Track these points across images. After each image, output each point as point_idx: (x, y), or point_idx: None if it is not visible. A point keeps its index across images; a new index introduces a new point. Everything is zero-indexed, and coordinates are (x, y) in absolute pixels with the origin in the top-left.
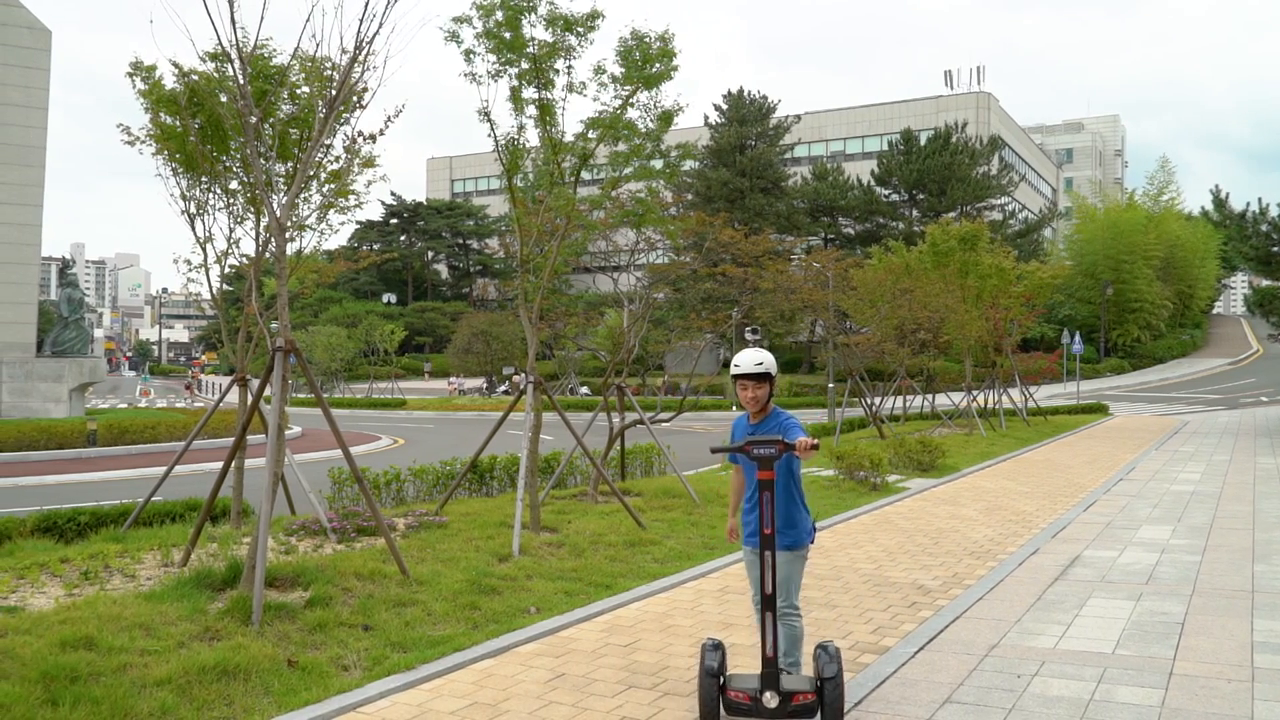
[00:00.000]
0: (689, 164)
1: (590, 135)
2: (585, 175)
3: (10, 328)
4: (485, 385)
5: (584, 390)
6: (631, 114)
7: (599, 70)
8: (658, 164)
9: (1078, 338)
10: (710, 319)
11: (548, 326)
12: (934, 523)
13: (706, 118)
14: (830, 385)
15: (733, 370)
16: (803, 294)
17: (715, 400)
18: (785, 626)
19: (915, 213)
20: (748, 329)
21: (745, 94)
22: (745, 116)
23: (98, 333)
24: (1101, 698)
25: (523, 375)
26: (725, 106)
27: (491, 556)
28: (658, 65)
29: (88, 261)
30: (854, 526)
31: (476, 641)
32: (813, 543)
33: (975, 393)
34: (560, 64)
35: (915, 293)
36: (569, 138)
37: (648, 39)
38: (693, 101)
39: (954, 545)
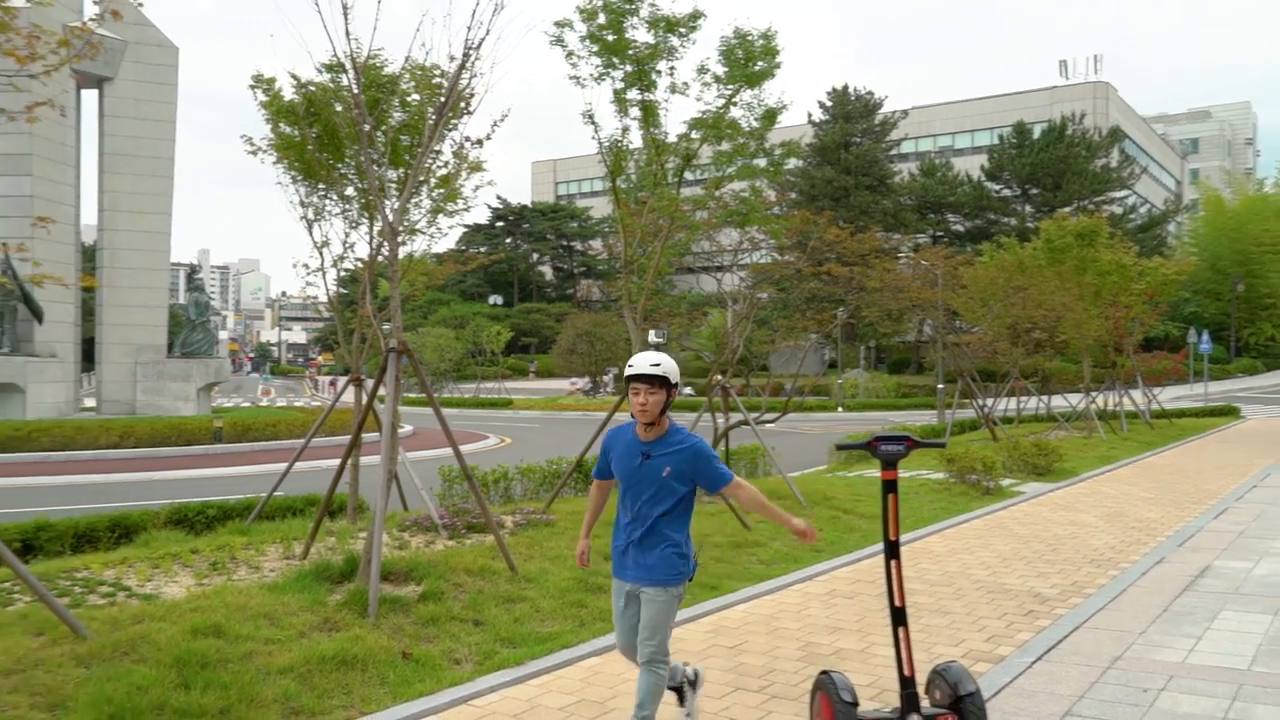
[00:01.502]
0: (792, 162)
1: (693, 135)
2: (688, 175)
3: (144, 330)
4: (589, 385)
5: (687, 390)
6: (734, 113)
7: (702, 70)
8: (761, 162)
9: (1205, 336)
10: (815, 319)
11: (651, 327)
12: (1051, 529)
13: (810, 115)
14: (939, 386)
15: (626, 371)
16: (910, 293)
17: (821, 401)
18: (650, 676)
19: (1028, 208)
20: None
21: (849, 90)
22: (850, 113)
23: (222, 334)
24: (1237, 716)
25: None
26: (829, 103)
27: (597, 555)
28: (760, 63)
29: (213, 267)
30: (965, 531)
31: (584, 639)
32: (691, 580)
33: (1094, 394)
34: (663, 65)
35: (1029, 291)
36: (672, 138)
37: (750, 37)
38: (796, 99)
39: (1072, 552)
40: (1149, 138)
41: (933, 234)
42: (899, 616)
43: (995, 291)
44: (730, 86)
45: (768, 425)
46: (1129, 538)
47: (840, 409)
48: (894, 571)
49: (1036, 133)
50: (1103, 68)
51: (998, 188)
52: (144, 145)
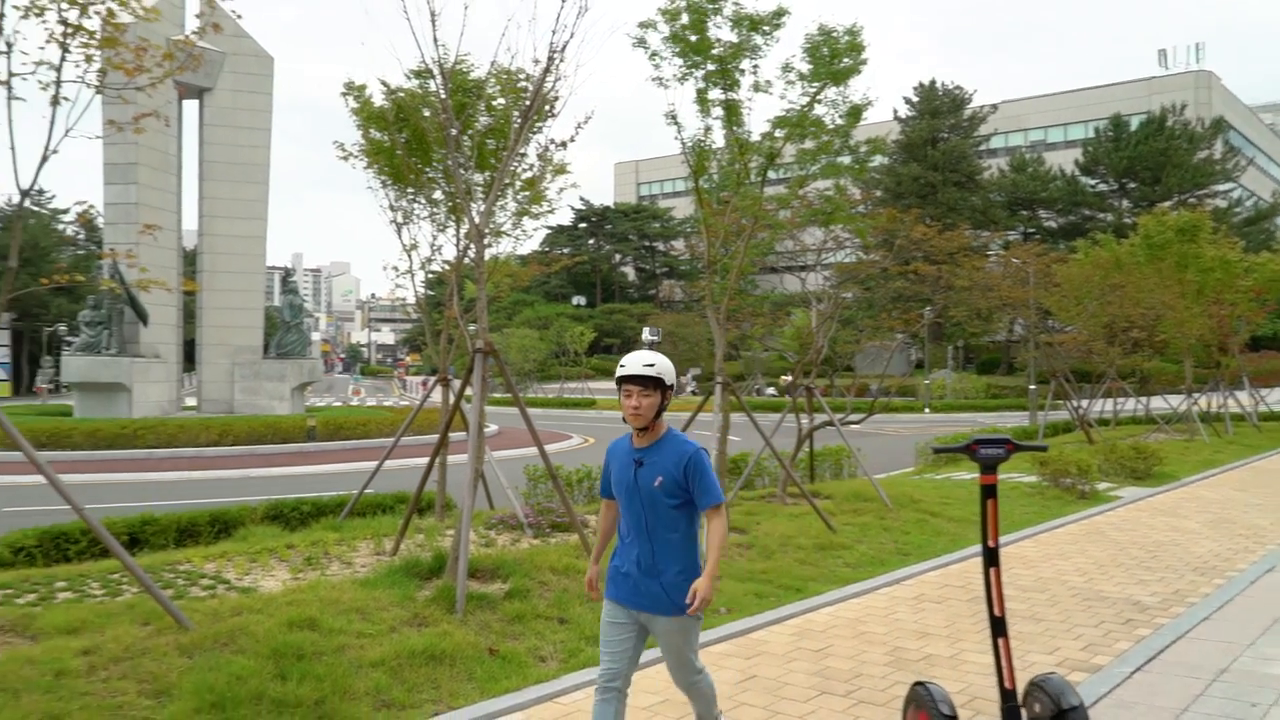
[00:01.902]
0: (878, 159)
1: (777, 134)
2: (771, 174)
3: (241, 331)
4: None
5: (770, 391)
6: (819, 110)
7: (786, 68)
8: (846, 160)
9: None
10: (901, 319)
11: (734, 327)
12: (1150, 535)
13: (896, 111)
14: (1031, 387)
15: (618, 371)
16: (1001, 291)
17: (907, 402)
18: (694, 692)
19: (1125, 203)
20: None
21: (937, 85)
22: (937, 108)
23: (314, 336)
24: None
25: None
26: (916, 99)
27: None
28: (846, 60)
29: (305, 270)
30: (1060, 536)
31: None
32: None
33: (1196, 395)
34: (746, 64)
35: (1127, 288)
36: (755, 137)
37: (835, 34)
38: (881, 95)
39: (1174, 559)
40: (1256, 128)
41: (1024, 231)
42: (999, 626)
43: (1090, 289)
44: (815, 84)
45: (853, 426)
46: (1235, 545)
47: (927, 410)
48: (993, 579)
49: (1134, 125)
50: (1205, 56)
51: (1093, 182)
52: (241, 153)
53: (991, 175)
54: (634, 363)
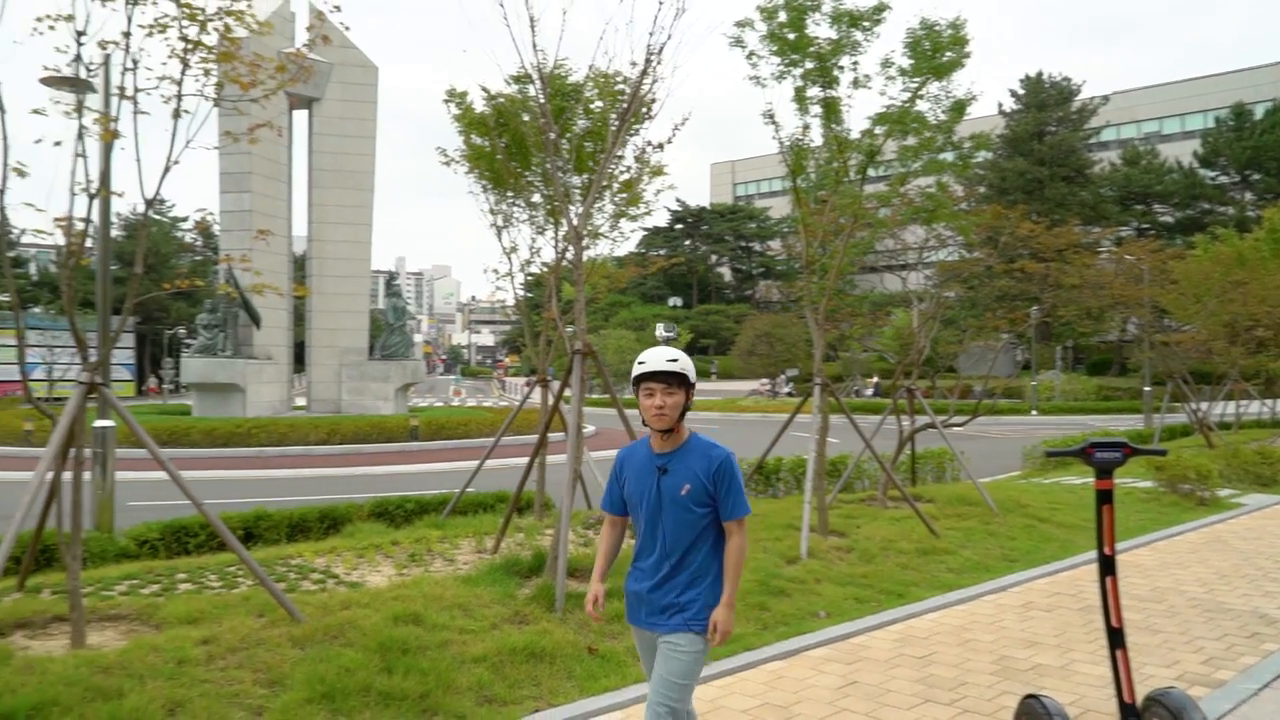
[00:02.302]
0: (982, 155)
1: (877, 131)
2: (871, 172)
3: (348, 334)
4: (769, 387)
5: (868, 393)
6: (921, 106)
7: (886, 63)
8: (949, 156)
9: None
10: (1007, 318)
11: (833, 327)
12: (1279, 544)
13: (1001, 105)
14: (1146, 389)
15: (636, 369)
16: (1113, 289)
17: (1013, 404)
18: None
19: (1249, 195)
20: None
21: (1044, 77)
22: (1044, 101)
23: (417, 337)
24: None
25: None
26: (1021, 91)
27: (779, 558)
28: (949, 54)
29: (408, 273)
30: (1178, 544)
31: (766, 642)
32: None
33: None
34: (845, 60)
35: (1250, 285)
36: (854, 134)
37: (938, 27)
38: (985, 89)
39: None
40: None
41: (1137, 226)
42: (1116, 637)
43: (1210, 287)
44: (916, 79)
45: (956, 429)
46: None
47: (1034, 412)
48: (1110, 588)
49: (1259, 113)
50: None
51: (1213, 174)
52: (348, 160)
53: (1102, 169)
54: (656, 358)
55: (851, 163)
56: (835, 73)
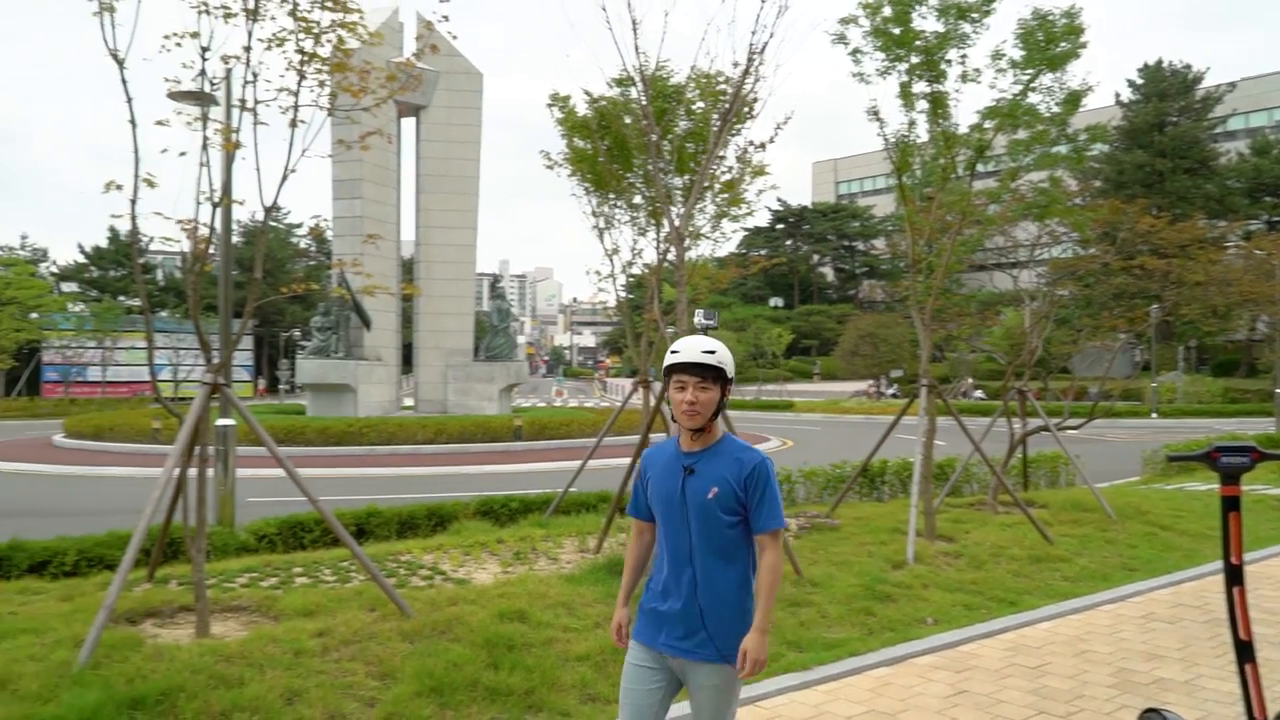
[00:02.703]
0: (1097, 148)
1: (986, 125)
2: (980, 167)
3: (454, 336)
4: (875, 388)
5: (978, 394)
6: (1033, 99)
7: (996, 55)
8: (1063, 150)
9: None
10: (1125, 317)
11: (940, 328)
12: None
13: (1118, 95)
14: (1278, 390)
15: (668, 359)
16: (1242, 286)
17: (1131, 407)
18: None
19: None
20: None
21: (1163, 65)
22: (1164, 90)
23: (520, 339)
24: None
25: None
26: (1140, 81)
27: (885, 562)
28: (1063, 44)
29: (511, 276)
30: None
31: (872, 648)
32: None
33: None
34: (953, 54)
35: None
36: (963, 130)
37: (1051, 17)
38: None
39: None
40: None
41: (1268, 219)
42: (1245, 651)
43: None
44: (1028, 71)
45: (1070, 432)
46: None
47: (1154, 415)
48: (1238, 600)
49: None
50: None
51: None
52: (453, 166)
53: (1229, 160)
54: (691, 349)
55: (959, 158)
56: (942, 67)
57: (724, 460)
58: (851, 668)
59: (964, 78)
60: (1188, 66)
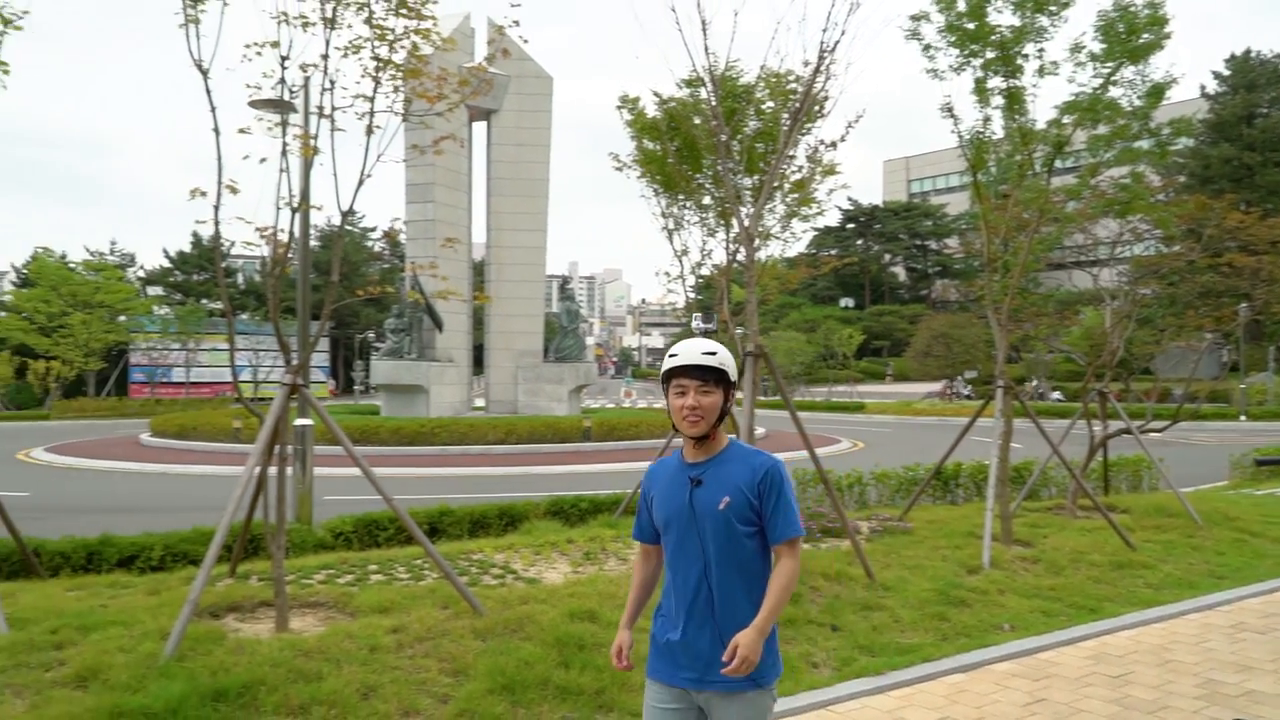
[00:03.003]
0: (1182, 142)
1: (1065, 120)
2: (1058, 163)
3: (524, 337)
4: (947, 389)
5: (1055, 396)
6: (1114, 92)
7: (1075, 48)
8: (1145, 144)
9: None
10: (1211, 316)
11: (1016, 328)
12: None
13: (1203, 88)
14: None
15: (666, 363)
16: None
17: (1218, 409)
18: None
19: None
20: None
21: (1252, 55)
22: (1253, 81)
23: (589, 340)
24: None
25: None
26: (1227, 72)
27: (959, 567)
28: (1146, 35)
29: (580, 277)
30: None
31: (946, 654)
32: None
33: None
34: (1030, 48)
35: None
36: (1040, 125)
37: (1133, 7)
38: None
39: None
40: None
41: None
42: None
43: None
44: (1109, 64)
45: (1154, 435)
46: None
47: (1242, 418)
48: None
49: None
50: None
51: None
52: (523, 169)
53: None
54: (690, 351)
55: (1037, 155)
56: (1019, 61)
57: (733, 467)
58: (925, 673)
59: (1041, 72)
60: (1278, 56)
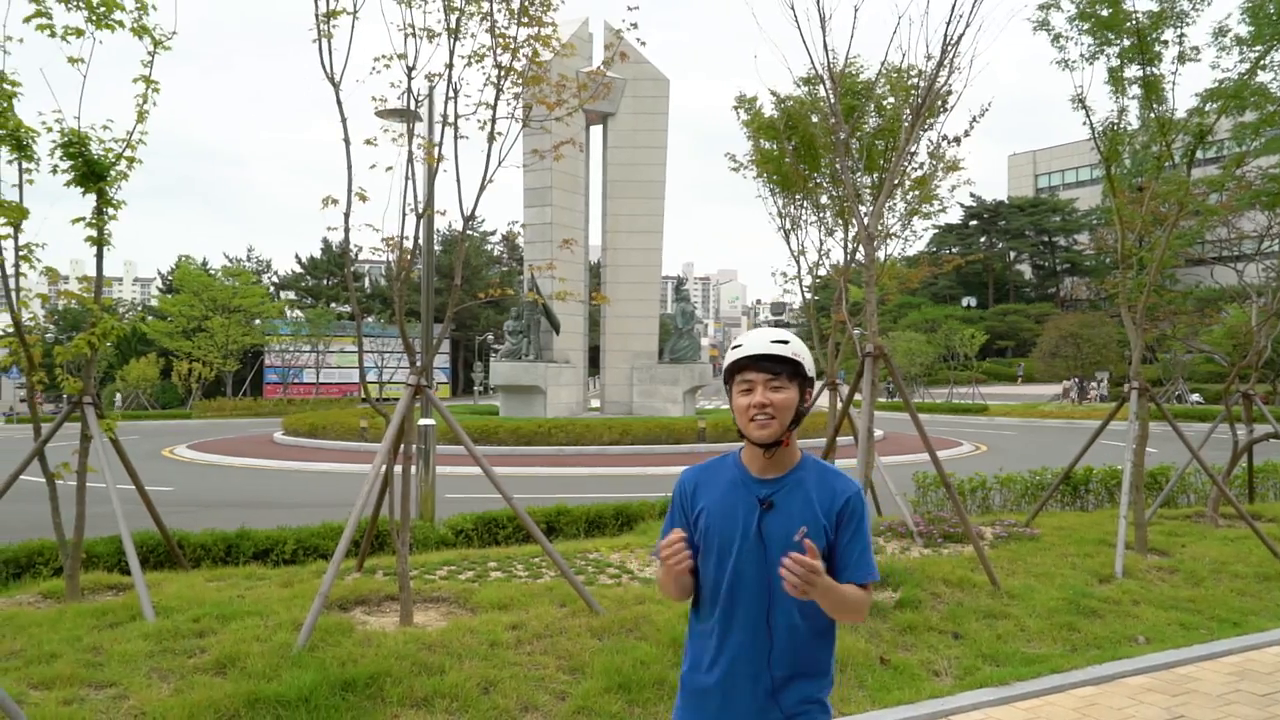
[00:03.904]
0: None
1: (1207, 108)
2: (1199, 154)
3: (639, 338)
4: (1075, 391)
5: (1194, 398)
6: (1262, 77)
7: (1219, 32)
8: None
9: None
10: None
11: (1152, 327)
12: None
13: None
14: None
15: (730, 355)
16: None
17: None
18: None
19: None
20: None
21: None
22: None
23: (704, 341)
24: None
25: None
26: None
27: (1090, 576)
28: None
29: (695, 278)
30: None
31: (1076, 665)
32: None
33: None
34: (1169, 33)
35: None
36: (1180, 115)
37: None
38: None
39: None
40: None
41: None
42: None
43: None
44: (1257, 48)
45: None
46: None
47: None
48: None
49: None
50: None
51: None
52: (639, 171)
53: None
54: (757, 340)
55: (1176, 145)
56: (1157, 48)
57: (810, 488)
58: (1053, 685)
59: (1181, 58)
60: None
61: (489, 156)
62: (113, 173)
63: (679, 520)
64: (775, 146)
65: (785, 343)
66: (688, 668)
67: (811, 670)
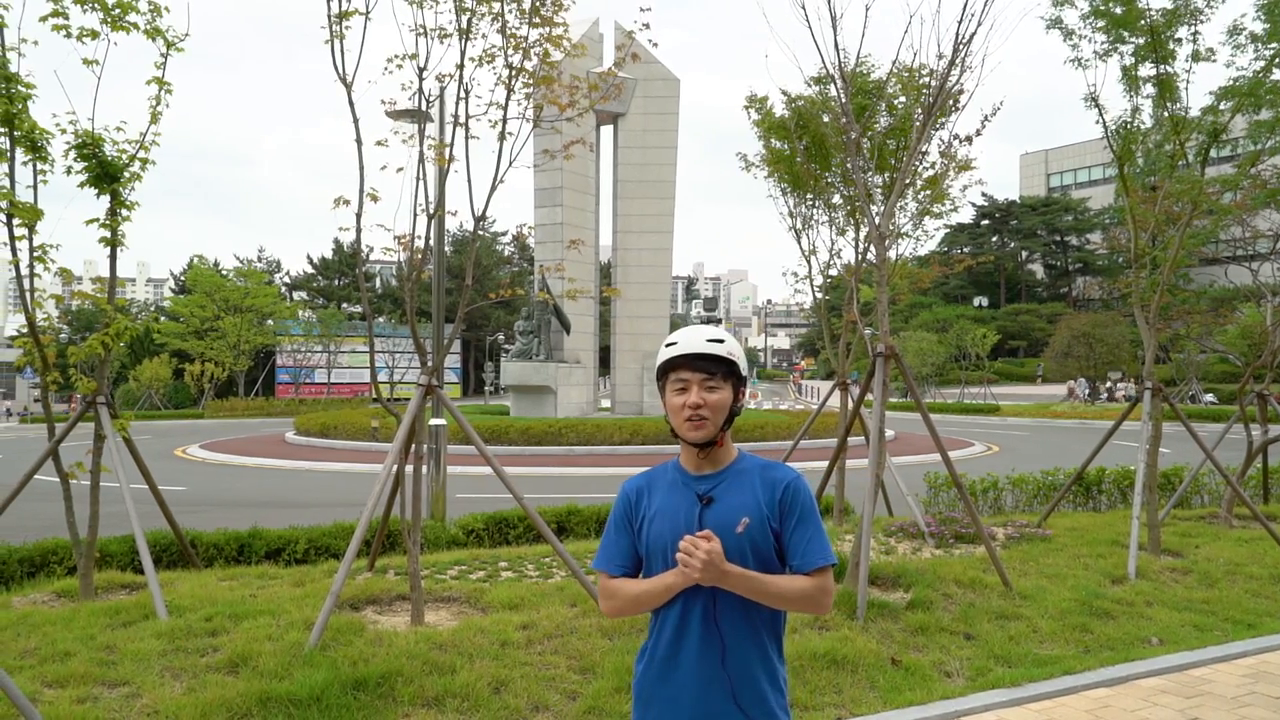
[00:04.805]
0: None
1: (1222, 107)
2: (1213, 153)
3: (650, 338)
4: (1087, 391)
5: (1208, 398)
6: (1277, 75)
7: (1234, 30)
8: None
9: None
10: None
11: (1166, 327)
12: None
13: None
14: None
15: (663, 353)
16: None
17: None
18: None
19: None
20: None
21: None
22: None
23: None
24: None
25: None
26: None
27: (1103, 577)
28: None
29: (705, 278)
30: None
31: (1089, 667)
32: None
33: None
34: (1183, 31)
35: None
36: (1194, 113)
37: None
38: None
39: None
40: None
41: None
42: None
43: None
44: (1271, 45)
45: None
46: None
47: None
48: None
49: None
50: None
51: None
52: (650, 171)
53: None
54: (692, 338)
55: (1189, 144)
56: (1171, 46)
57: (748, 480)
58: (1066, 686)
59: (1195, 57)
60: None
61: (500, 156)
62: (126, 174)
63: (623, 530)
64: (786, 146)
65: (720, 341)
66: (644, 675)
67: (768, 675)
